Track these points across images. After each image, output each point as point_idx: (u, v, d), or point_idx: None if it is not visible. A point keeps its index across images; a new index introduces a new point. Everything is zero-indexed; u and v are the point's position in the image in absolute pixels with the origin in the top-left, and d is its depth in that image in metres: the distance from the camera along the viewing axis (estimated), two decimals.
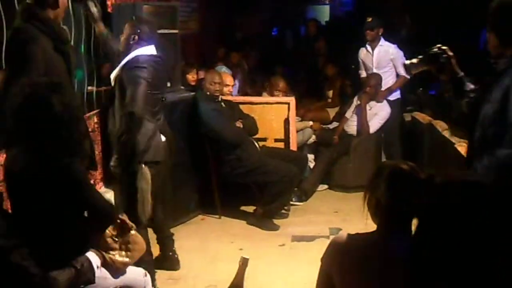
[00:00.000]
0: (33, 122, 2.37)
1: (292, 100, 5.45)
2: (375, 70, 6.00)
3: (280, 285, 3.86)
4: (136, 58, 3.53)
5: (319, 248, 2.23)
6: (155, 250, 3.94)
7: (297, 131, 5.66)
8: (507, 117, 2.33)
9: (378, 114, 5.88)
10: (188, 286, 3.86)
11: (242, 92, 6.67)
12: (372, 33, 5.96)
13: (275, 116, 5.46)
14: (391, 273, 1.81)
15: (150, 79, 3.47)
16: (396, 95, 6.08)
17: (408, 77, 5.67)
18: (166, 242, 4.02)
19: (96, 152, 4.31)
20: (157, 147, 3.57)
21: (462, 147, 3.99)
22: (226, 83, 5.33)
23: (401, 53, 5.90)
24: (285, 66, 8.05)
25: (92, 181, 4.00)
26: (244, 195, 5.22)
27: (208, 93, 4.95)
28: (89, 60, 4.71)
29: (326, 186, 5.92)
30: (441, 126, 5.03)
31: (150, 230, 3.78)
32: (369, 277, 1.87)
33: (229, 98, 5.37)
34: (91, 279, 2.53)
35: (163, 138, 3.64)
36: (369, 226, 1.95)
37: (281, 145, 5.48)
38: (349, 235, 1.97)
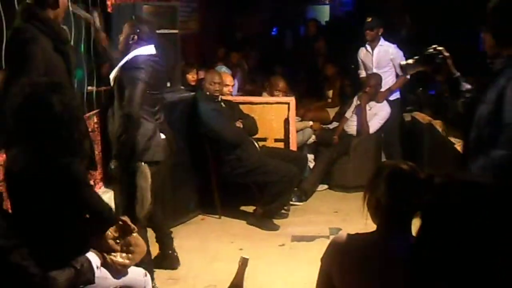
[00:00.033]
0: (33, 122, 2.37)
1: (292, 100, 5.45)
2: (375, 70, 6.00)
3: (280, 285, 3.86)
4: (134, 59, 3.53)
5: (319, 248, 2.24)
6: (154, 250, 3.94)
7: (297, 131, 5.66)
8: (502, 117, 2.33)
9: (378, 114, 5.88)
10: (188, 286, 3.86)
11: (242, 90, 6.67)
12: (371, 33, 5.97)
13: (275, 116, 5.46)
14: (391, 273, 1.81)
15: (148, 80, 3.47)
16: (396, 95, 6.09)
17: (408, 77, 5.68)
18: (165, 240, 4.02)
19: (96, 152, 4.32)
20: (157, 147, 3.57)
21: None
22: (226, 83, 5.34)
23: (401, 53, 5.90)
24: (285, 66, 8.05)
25: (92, 181, 4.00)
26: (244, 195, 5.22)
27: (208, 93, 4.95)
28: (88, 60, 4.72)
29: (326, 186, 5.93)
30: (441, 126, 5.03)
31: (149, 230, 3.78)
32: (369, 277, 1.87)
33: (229, 98, 5.37)
34: (91, 279, 2.53)
35: (162, 137, 3.64)
36: (369, 226, 1.95)
37: (281, 145, 5.48)
38: (349, 235, 1.97)
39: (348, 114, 6.09)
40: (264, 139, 5.40)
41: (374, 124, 5.85)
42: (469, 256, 1.41)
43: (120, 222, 2.77)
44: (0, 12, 3.45)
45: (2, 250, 2.26)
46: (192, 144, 4.95)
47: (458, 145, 4.21)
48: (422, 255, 1.50)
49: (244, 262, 2.52)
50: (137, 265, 2.88)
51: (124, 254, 2.72)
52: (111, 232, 2.71)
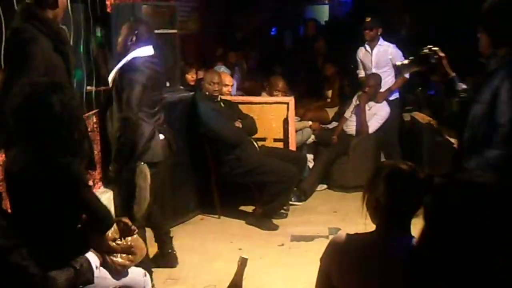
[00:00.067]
0: (33, 122, 2.37)
1: (291, 100, 5.45)
2: (374, 70, 6.00)
3: (279, 285, 3.86)
4: (133, 61, 3.53)
5: (318, 248, 2.23)
6: (153, 249, 3.94)
7: (296, 131, 5.66)
8: (496, 117, 2.34)
9: (377, 114, 5.88)
10: (187, 286, 3.86)
11: (240, 89, 6.67)
12: (370, 33, 5.97)
13: (274, 116, 5.46)
14: (390, 273, 1.81)
15: (146, 82, 3.47)
16: (395, 95, 6.09)
17: (407, 76, 5.67)
18: (164, 239, 4.02)
19: (95, 152, 4.32)
20: (156, 148, 3.57)
21: None
22: (225, 83, 5.34)
23: (400, 53, 5.89)
24: (285, 66, 8.05)
25: (91, 181, 4.01)
26: (243, 195, 5.22)
27: (207, 93, 4.95)
28: (88, 60, 4.72)
29: (325, 186, 5.93)
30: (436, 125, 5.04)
31: (148, 230, 3.78)
32: (368, 277, 1.87)
33: (228, 98, 5.37)
34: (90, 280, 2.52)
35: (162, 138, 3.64)
36: (368, 226, 1.95)
37: (280, 145, 5.48)
38: (348, 235, 1.97)
39: (348, 114, 6.09)
40: (264, 139, 5.40)
41: (374, 124, 5.85)
42: (469, 256, 1.42)
43: (121, 223, 2.77)
44: None
45: (2, 250, 2.26)
46: (191, 144, 4.94)
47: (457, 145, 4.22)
48: (422, 255, 1.50)
49: (243, 262, 2.52)
50: (136, 265, 2.88)
51: (124, 255, 2.72)
52: (111, 233, 2.71)
